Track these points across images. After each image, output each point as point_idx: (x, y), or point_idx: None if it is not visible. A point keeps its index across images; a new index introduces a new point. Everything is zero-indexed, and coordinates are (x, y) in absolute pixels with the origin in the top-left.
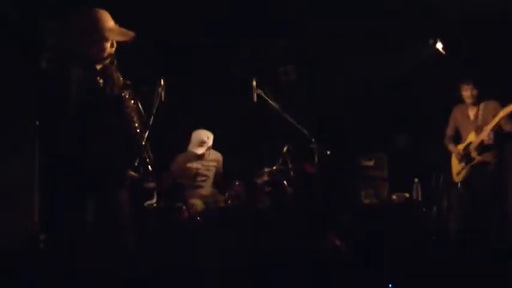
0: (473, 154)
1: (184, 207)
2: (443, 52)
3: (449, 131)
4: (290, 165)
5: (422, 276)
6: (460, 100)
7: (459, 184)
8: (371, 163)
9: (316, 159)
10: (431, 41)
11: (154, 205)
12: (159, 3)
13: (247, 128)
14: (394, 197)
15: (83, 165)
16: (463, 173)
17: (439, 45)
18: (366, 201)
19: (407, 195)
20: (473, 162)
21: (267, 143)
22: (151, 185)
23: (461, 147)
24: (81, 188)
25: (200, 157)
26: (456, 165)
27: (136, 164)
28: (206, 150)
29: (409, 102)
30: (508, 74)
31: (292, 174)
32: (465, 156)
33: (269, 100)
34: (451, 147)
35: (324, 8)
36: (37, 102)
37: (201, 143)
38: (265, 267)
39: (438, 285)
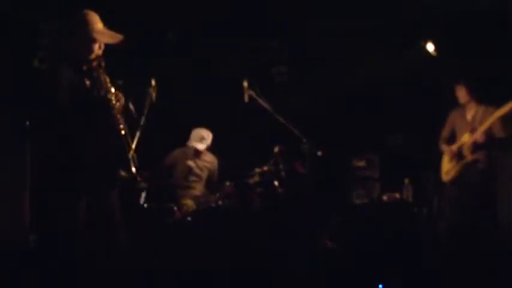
0: (466, 153)
1: (175, 208)
2: (434, 53)
3: (445, 133)
4: (281, 166)
5: (413, 276)
6: (457, 103)
7: (448, 183)
8: (362, 163)
9: (307, 159)
10: (422, 43)
11: (145, 205)
12: (152, 2)
13: (239, 128)
14: (385, 197)
15: (74, 165)
16: (453, 172)
17: (430, 47)
18: (357, 201)
19: (398, 195)
20: (464, 161)
21: (258, 144)
22: (142, 184)
23: (454, 146)
24: (72, 188)
25: (197, 155)
26: (446, 164)
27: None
28: (206, 147)
29: (400, 102)
30: (502, 74)
31: (283, 174)
32: (457, 155)
33: (260, 101)
34: (444, 147)
35: (317, 8)
36: (28, 102)
37: (201, 139)
38: (256, 268)
39: (428, 286)
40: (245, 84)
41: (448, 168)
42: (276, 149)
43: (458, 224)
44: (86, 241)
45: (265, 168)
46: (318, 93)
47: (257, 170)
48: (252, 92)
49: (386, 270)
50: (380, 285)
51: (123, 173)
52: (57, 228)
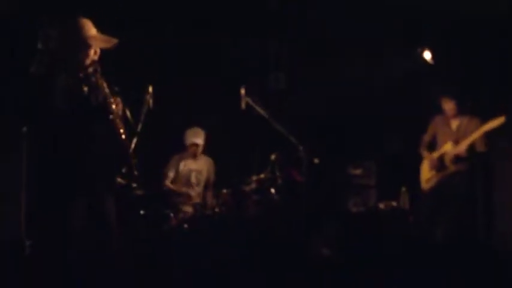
0: (448, 163)
1: (172, 215)
2: (431, 61)
3: (427, 138)
4: (278, 173)
5: (409, 284)
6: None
7: (427, 192)
8: (359, 171)
9: (304, 167)
10: (419, 50)
11: (142, 212)
12: (148, 7)
13: (235, 135)
14: (381, 205)
15: (71, 171)
16: (434, 180)
17: (427, 55)
18: (354, 209)
19: (394, 203)
20: (446, 172)
21: (255, 151)
22: (140, 192)
23: (436, 154)
24: (68, 193)
25: (194, 157)
26: (426, 172)
27: (123, 170)
28: (203, 141)
29: (398, 109)
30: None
31: (280, 182)
32: (438, 164)
33: (257, 108)
34: (424, 153)
35: (315, 14)
36: (24, 108)
37: (196, 135)
38: (252, 275)
39: None
40: (242, 91)
41: (428, 176)
42: (273, 157)
43: (435, 232)
44: (81, 246)
45: (262, 175)
46: (315, 101)
47: (254, 177)
48: (249, 99)
49: (383, 278)
50: None
51: (120, 180)
52: (52, 232)
